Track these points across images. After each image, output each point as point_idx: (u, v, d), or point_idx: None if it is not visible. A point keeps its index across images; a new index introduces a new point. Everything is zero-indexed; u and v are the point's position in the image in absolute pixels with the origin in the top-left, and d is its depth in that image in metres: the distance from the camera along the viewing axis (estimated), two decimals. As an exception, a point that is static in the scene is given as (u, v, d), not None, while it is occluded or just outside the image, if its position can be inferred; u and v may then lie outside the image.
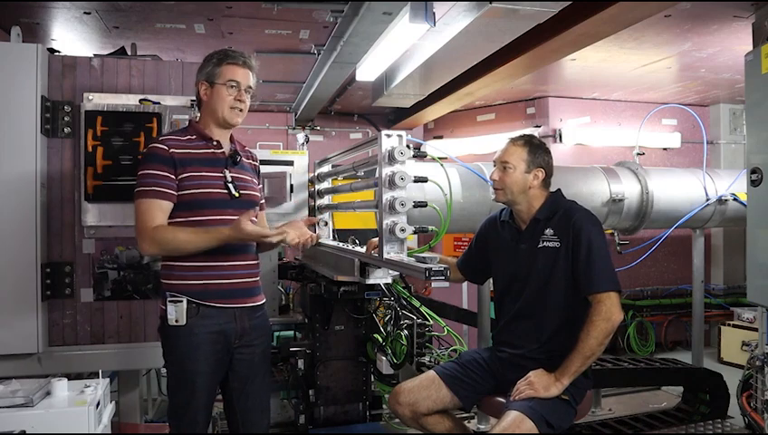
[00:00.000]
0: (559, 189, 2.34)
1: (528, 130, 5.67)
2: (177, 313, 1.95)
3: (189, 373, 1.98)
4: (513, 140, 2.29)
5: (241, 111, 2.06)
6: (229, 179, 2.05)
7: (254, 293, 2.12)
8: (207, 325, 1.98)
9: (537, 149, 2.26)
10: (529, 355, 2.19)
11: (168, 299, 1.96)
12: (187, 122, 2.20)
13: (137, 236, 1.97)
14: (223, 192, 2.03)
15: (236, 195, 2.05)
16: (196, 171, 2.01)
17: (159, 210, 1.96)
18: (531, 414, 1.97)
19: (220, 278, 2.01)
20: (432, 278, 1.85)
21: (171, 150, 1.99)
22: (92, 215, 2.54)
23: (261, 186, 2.26)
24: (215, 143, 2.08)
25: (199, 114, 2.13)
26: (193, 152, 2.03)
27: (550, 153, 2.30)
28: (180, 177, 1.99)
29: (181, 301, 1.95)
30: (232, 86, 2.03)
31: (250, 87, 2.08)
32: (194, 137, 2.07)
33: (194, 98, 2.46)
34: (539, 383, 2.04)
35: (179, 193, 1.99)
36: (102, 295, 2.60)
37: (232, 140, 2.15)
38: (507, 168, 2.25)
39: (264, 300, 2.18)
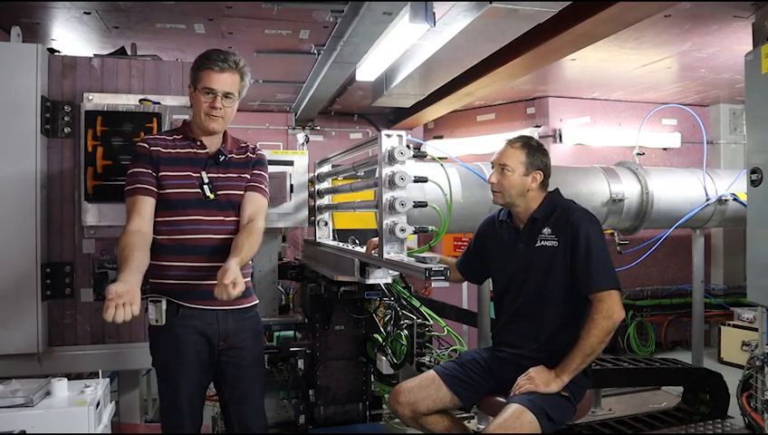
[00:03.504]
0: (557, 189, 2.34)
1: (528, 131, 5.68)
2: (156, 312, 1.94)
3: (172, 374, 1.99)
4: (511, 143, 2.29)
5: (219, 117, 2.02)
6: (205, 180, 2.03)
7: (241, 295, 2.06)
8: (188, 326, 1.97)
9: (535, 151, 2.26)
10: (529, 355, 2.19)
11: (150, 299, 1.95)
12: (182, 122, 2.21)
13: (123, 229, 1.99)
14: (198, 192, 2.02)
15: (211, 196, 2.02)
16: (174, 171, 2.01)
17: (142, 205, 1.97)
18: (531, 407, 1.97)
19: (201, 279, 1.98)
20: (432, 278, 1.85)
21: (151, 148, 2.01)
22: (92, 215, 2.53)
23: (261, 176, 2.17)
24: (198, 143, 2.07)
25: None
26: (175, 151, 2.04)
27: (547, 154, 2.30)
28: (159, 175, 2.00)
29: (160, 301, 1.94)
30: (207, 93, 2.00)
31: (229, 93, 2.02)
32: (179, 136, 2.08)
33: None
34: (539, 379, 2.05)
35: (158, 192, 2.01)
36: (102, 295, 2.59)
37: (225, 138, 2.13)
38: (506, 170, 2.25)
39: (256, 302, 2.15)
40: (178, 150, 2.05)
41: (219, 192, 2.04)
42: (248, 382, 2.10)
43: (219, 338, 2.03)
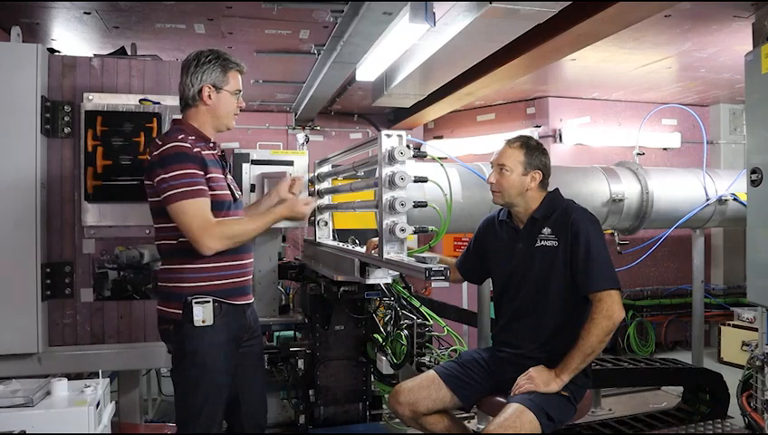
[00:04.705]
0: (557, 189, 2.34)
1: (528, 131, 5.68)
2: (204, 313, 1.97)
3: (212, 372, 2.00)
4: (510, 142, 2.29)
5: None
6: (230, 180, 2.12)
7: (252, 289, 2.21)
8: (229, 323, 2.04)
9: (534, 151, 2.26)
10: (528, 355, 2.19)
11: (194, 301, 1.96)
12: (174, 122, 2.13)
13: (196, 235, 1.91)
14: (229, 193, 2.08)
15: (238, 196, 2.12)
16: (214, 172, 2.03)
17: (209, 208, 1.96)
18: (531, 406, 1.98)
19: (238, 277, 2.08)
20: (432, 278, 1.85)
21: (194, 149, 1.97)
22: (92, 215, 2.54)
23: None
24: (212, 145, 2.09)
25: (189, 114, 2.08)
26: (208, 153, 2.05)
27: (547, 154, 2.30)
28: (207, 177, 2.00)
29: (208, 301, 1.98)
30: (236, 95, 2.08)
31: None
32: (194, 138, 2.03)
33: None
34: (539, 378, 2.05)
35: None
36: (102, 295, 2.60)
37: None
38: (504, 170, 2.25)
39: None
40: (206, 152, 2.04)
41: (236, 193, 2.14)
42: (258, 371, 2.23)
43: (245, 330, 2.12)
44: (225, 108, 2.07)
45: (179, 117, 2.12)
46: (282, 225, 3.12)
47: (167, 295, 2.03)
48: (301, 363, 3.15)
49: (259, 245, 3.27)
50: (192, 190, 1.91)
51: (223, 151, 2.15)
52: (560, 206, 2.25)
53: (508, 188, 2.25)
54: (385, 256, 2.07)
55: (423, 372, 2.37)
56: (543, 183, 2.28)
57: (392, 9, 3.00)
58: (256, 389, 2.21)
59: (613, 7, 2.88)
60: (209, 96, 2.03)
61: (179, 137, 1.96)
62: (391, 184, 2.05)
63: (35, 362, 2.48)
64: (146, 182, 2.02)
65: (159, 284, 2.09)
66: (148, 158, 2.02)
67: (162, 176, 1.91)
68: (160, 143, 1.97)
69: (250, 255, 2.16)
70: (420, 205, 2.13)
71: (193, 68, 2.03)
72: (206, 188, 1.96)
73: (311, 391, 3.16)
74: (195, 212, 1.91)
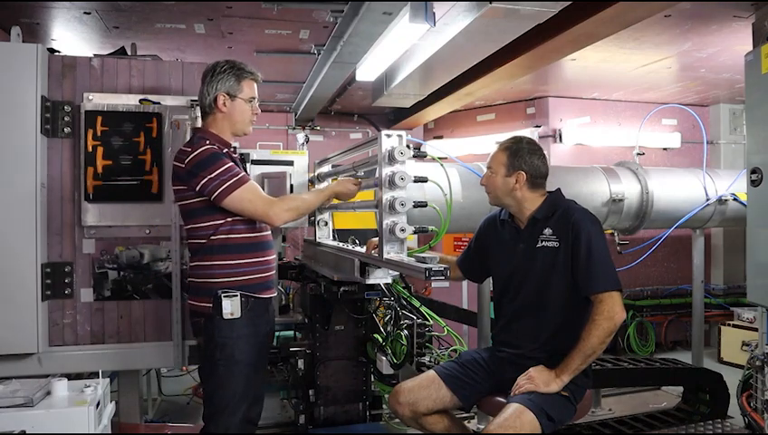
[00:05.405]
0: (558, 189, 2.34)
1: (528, 131, 5.68)
2: (232, 306, 2.07)
3: (240, 364, 2.09)
4: (499, 145, 2.33)
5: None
6: None
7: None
8: (255, 316, 2.14)
9: (518, 153, 2.26)
10: (529, 355, 2.19)
11: (224, 295, 2.07)
12: (195, 130, 2.27)
13: (263, 212, 2.10)
14: None
15: None
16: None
17: (260, 188, 2.14)
18: (531, 406, 1.98)
19: (263, 272, 2.18)
20: (432, 278, 1.85)
21: (224, 150, 2.13)
22: (92, 215, 2.54)
23: None
24: (232, 149, 2.21)
25: (207, 122, 2.20)
26: (234, 156, 2.20)
27: (538, 154, 2.27)
28: None
29: (236, 295, 2.08)
30: (250, 102, 2.19)
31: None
32: (217, 145, 2.14)
33: (194, 98, 2.49)
34: (539, 378, 2.05)
35: None
36: (102, 295, 2.60)
37: None
38: (491, 172, 2.31)
39: None
40: (232, 156, 2.19)
41: None
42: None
43: (268, 323, 2.25)
44: (240, 115, 2.18)
45: (186, 119, 2.26)
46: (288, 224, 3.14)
47: (197, 290, 2.14)
48: (301, 363, 3.15)
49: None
50: (239, 179, 2.07)
51: (242, 155, 2.26)
52: (561, 206, 2.24)
53: (494, 189, 2.30)
54: (385, 256, 2.08)
55: (423, 372, 2.37)
56: (534, 184, 2.26)
57: (392, 9, 3.00)
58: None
59: (613, 7, 2.89)
60: (224, 104, 2.15)
61: (206, 143, 2.10)
62: (391, 184, 2.05)
63: (35, 362, 2.49)
64: (176, 187, 2.14)
65: (190, 279, 2.20)
66: (179, 165, 2.10)
67: (207, 177, 2.03)
68: (189, 150, 2.08)
69: (272, 251, 2.27)
70: (420, 205, 2.14)
71: (209, 78, 2.16)
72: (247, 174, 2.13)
73: (311, 391, 3.16)
74: (252, 195, 2.09)
